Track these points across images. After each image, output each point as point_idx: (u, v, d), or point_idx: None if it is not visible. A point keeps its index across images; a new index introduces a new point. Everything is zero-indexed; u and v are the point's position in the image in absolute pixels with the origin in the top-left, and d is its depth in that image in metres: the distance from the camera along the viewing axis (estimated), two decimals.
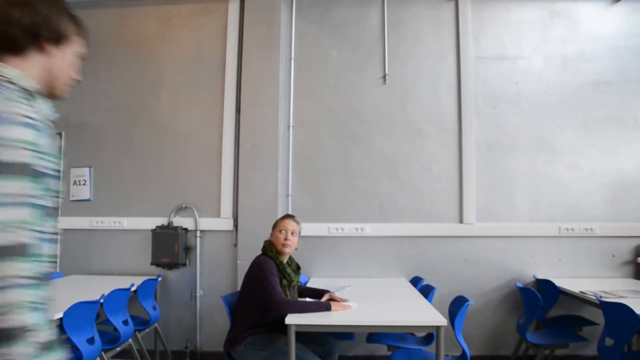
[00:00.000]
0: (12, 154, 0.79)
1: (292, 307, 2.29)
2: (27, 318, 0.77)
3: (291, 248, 2.58)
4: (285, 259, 2.58)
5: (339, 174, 3.82)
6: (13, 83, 0.91)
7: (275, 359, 2.27)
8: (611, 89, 3.76)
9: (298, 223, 2.65)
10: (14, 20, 0.93)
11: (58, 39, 1.00)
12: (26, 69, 0.95)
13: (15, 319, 0.76)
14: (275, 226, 2.64)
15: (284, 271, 2.50)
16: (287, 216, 2.70)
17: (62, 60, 1.02)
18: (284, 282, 2.48)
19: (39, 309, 0.80)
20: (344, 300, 2.53)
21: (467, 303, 2.43)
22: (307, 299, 2.59)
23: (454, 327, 2.43)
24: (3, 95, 0.84)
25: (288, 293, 2.50)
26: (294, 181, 3.81)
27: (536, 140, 3.76)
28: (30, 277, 0.79)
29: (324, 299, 2.51)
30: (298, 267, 2.69)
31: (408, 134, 3.81)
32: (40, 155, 0.83)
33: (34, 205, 0.81)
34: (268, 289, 2.32)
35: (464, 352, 2.39)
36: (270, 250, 2.55)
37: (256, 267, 2.44)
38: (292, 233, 2.58)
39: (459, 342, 2.41)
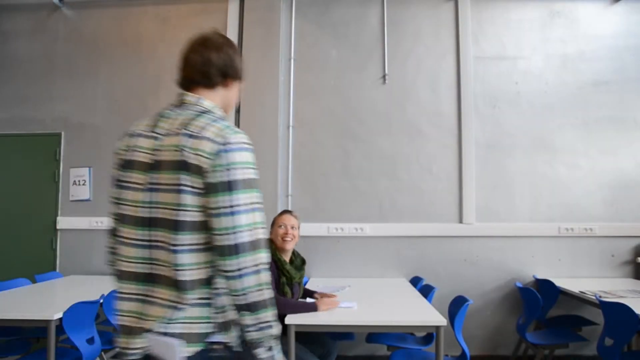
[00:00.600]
0: (246, 173, 1.06)
1: (279, 307, 2.26)
2: (270, 292, 1.08)
3: (293, 242, 2.56)
4: (287, 256, 2.56)
5: (338, 174, 3.81)
6: (212, 112, 1.17)
7: None
8: (611, 89, 3.76)
9: (297, 217, 2.65)
10: (212, 61, 1.20)
11: (236, 76, 1.26)
12: (214, 100, 1.21)
13: (266, 293, 1.06)
14: (274, 223, 2.62)
15: (282, 268, 2.47)
16: (285, 211, 2.70)
17: (234, 92, 1.28)
18: (282, 279, 2.45)
19: None
20: (330, 296, 2.53)
21: (466, 303, 2.43)
22: (299, 300, 2.55)
23: (453, 327, 2.43)
24: (223, 124, 1.10)
25: (287, 290, 2.47)
26: (293, 181, 3.81)
27: (536, 140, 3.76)
28: (267, 263, 1.07)
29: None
30: (303, 262, 2.65)
31: (407, 133, 3.81)
32: (255, 170, 1.09)
33: (259, 209, 1.08)
34: None
35: (463, 352, 2.39)
36: (269, 248, 2.53)
37: None
38: (292, 227, 2.56)
39: (458, 342, 2.41)
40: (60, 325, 2.30)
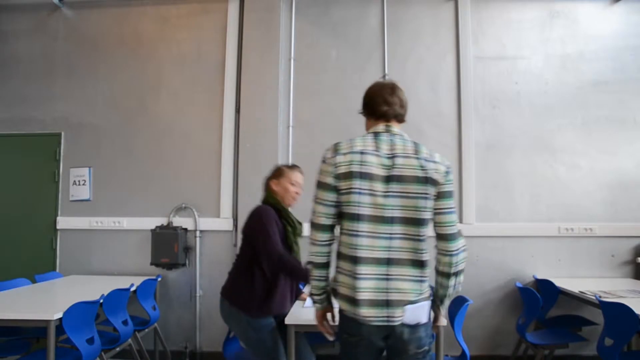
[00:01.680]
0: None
1: (283, 263, 2.15)
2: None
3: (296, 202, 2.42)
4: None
5: None
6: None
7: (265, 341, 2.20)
8: (611, 89, 3.76)
9: (302, 174, 2.47)
10: (404, 103, 1.73)
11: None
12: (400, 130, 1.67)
13: (464, 265, 1.63)
14: (282, 175, 2.37)
15: (288, 217, 2.31)
16: (297, 167, 2.45)
17: None
18: (289, 228, 2.30)
19: None
20: None
21: (466, 303, 2.43)
22: (298, 264, 2.28)
23: (453, 327, 2.43)
24: (437, 153, 1.63)
25: (295, 240, 2.33)
26: None
27: (536, 140, 3.75)
28: (464, 246, 1.60)
29: None
30: (299, 223, 2.43)
31: (407, 133, 3.79)
32: None
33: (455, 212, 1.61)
34: (264, 238, 2.15)
35: (463, 352, 2.39)
36: (271, 197, 2.33)
37: (254, 218, 2.24)
38: (301, 187, 2.40)
39: (458, 342, 2.41)
40: (60, 325, 2.30)
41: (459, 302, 2.52)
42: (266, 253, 2.16)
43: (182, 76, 3.94)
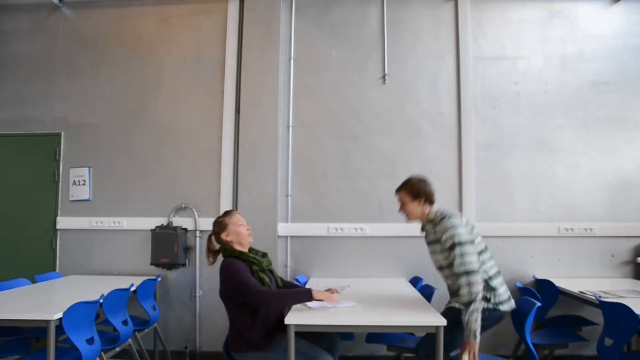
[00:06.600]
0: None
1: (271, 298, 2.24)
2: None
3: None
4: (246, 250, 2.51)
5: (338, 174, 3.81)
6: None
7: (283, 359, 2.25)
8: (611, 89, 3.76)
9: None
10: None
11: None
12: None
13: None
14: (226, 225, 2.48)
15: (248, 259, 2.39)
16: (233, 211, 2.60)
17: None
18: (254, 267, 2.38)
19: None
20: (334, 291, 2.56)
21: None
22: (292, 290, 2.43)
23: None
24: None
25: (264, 277, 2.37)
26: (293, 181, 3.81)
27: (535, 141, 3.76)
28: None
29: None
30: (264, 254, 2.56)
31: (407, 134, 3.81)
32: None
33: None
34: (242, 287, 2.23)
35: None
36: (229, 249, 2.43)
37: (223, 273, 2.33)
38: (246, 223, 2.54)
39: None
40: (60, 325, 2.30)
41: None
42: (255, 300, 2.23)
43: (182, 76, 3.94)
